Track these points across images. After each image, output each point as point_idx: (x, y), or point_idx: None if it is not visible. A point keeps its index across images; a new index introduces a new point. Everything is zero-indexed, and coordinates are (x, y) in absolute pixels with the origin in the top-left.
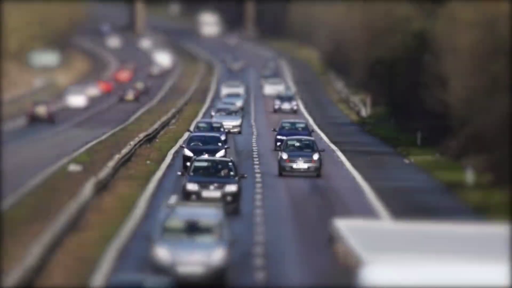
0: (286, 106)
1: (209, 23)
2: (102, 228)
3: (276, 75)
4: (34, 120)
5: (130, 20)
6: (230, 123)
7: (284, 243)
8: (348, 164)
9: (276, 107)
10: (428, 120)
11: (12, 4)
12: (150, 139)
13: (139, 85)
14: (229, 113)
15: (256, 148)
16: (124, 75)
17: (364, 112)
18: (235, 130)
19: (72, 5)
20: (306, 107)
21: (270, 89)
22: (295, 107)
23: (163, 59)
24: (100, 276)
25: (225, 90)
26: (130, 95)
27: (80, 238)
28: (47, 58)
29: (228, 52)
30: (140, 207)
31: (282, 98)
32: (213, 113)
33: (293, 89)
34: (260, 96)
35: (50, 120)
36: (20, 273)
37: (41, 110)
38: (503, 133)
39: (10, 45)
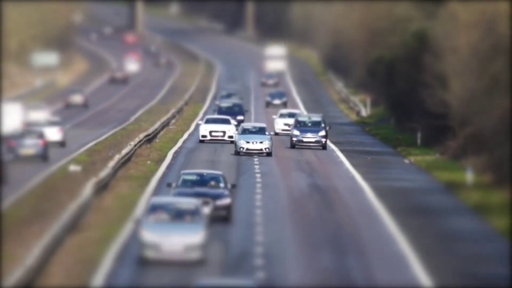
0: (310, 138)
1: (275, 57)
2: (102, 228)
3: (283, 95)
4: (70, 107)
5: (130, 20)
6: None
7: (284, 243)
8: (348, 164)
9: (295, 139)
10: (428, 120)
11: (12, 4)
12: (150, 139)
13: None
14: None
15: None
16: (131, 38)
17: (364, 112)
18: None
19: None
20: (306, 107)
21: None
22: (323, 141)
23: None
24: (100, 276)
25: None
26: (78, 99)
27: (80, 238)
28: (47, 58)
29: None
30: (140, 207)
31: (305, 128)
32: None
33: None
34: (260, 96)
35: (85, 106)
36: (20, 273)
37: (77, 98)
38: (503, 133)
39: (10, 45)
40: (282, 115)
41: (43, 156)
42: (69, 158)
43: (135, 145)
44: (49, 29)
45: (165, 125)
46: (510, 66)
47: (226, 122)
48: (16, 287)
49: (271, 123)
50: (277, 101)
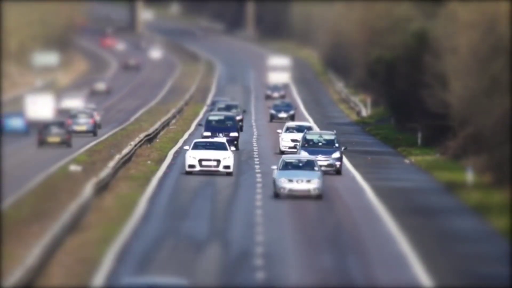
0: (322, 161)
1: (279, 68)
2: (103, 228)
3: (290, 107)
4: (94, 94)
5: (130, 20)
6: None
7: (284, 243)
8: (348, 164)
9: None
10: (428, 120)
11: (12, 4)
12: (150, 139)
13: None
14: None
15: (257, 148)
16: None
17: (364, 112)
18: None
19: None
20: (306, 107)
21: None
22: (337, 164)
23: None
24: (100, 276)
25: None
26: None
27: (81, 238)
28: (47, 58)
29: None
30: (141, 207)
31: (315, 148)
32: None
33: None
34: (260, 97)
35: (108, 92)
36: (20, 273)
37: (101, 85)
38: (503, 133)
39: (10, 45)
40: (289, 129)
41: (93, 131)
42: (70, 158)
43: (135, 145)
44: (49, 29)
45: (166, 125)
46: (510, 66)
47: (221, 147)
48: (16, 287)
49: (274, 136)
50: (283, 115)
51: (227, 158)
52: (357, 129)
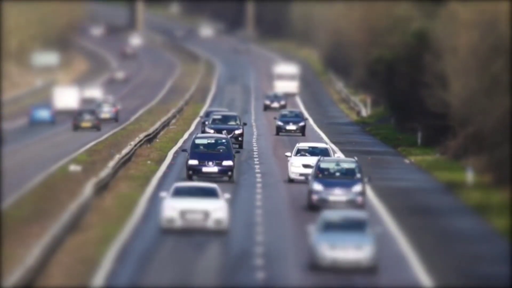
0: (340, 197)
1: (287, 77)
2: (103, 228)
3: (300, 118)
4: (113, 82)
5: (131, 20)
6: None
7: (284, 243)
8: None
9: (317, 197)
10: (428, 120)
11: (12, 4)
12: (150, 139)
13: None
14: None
15: (257, 148)
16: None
17: (365, 112)
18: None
19: (72, 5)
20: (306, 107)
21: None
22: (359, 200)
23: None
24: (100, 276)
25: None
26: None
27: (81, 238)
28: (47, 58)
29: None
30: (141, 207)
31: (331, 180)
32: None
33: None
34: (260, 97)
35: (126, 81)
36: (20, 273)
37: (120, 74)
38: (503, 133)
39: (10, 45)
40: (300, 152)
41: (115, 119)
42: (69, 158)
43: (135, 145)
44: (49, 29)
45: (166, 125)
46: (510, 66)
47: (211, 193)
48: (16, 287)
49: (274, 136)
50: (291, 127)
51: (218, 210)
52: (357, 129)
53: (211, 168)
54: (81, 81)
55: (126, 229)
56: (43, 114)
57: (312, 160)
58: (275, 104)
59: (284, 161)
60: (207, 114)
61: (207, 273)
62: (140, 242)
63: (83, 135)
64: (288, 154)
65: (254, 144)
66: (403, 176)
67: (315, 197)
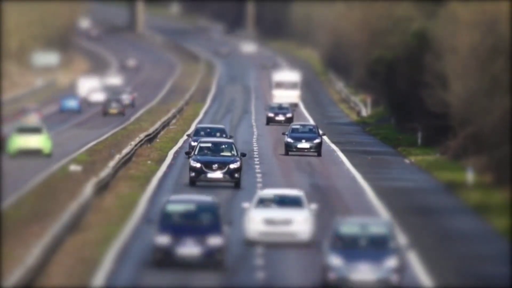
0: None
1: (287, 85)
2: (103, 228)
3: (315, 134)
4: (125, 69)
5: (131, 20)
6: None
7: (284, 244)
8: (348, 164)
9: (335, 275)
10: (428, 120)
11: (12, 4)
12: (150, 139)
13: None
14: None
15: (257, 148)
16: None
17: (365, 112)
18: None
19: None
20: (306, 107)
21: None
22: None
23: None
24: (100, 277)
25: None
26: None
27: (81, 238)
28: (47, 58)
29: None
30: (141, 207)
31: (355, 250)
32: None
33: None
34: (260, 96)
35: (137, 69)
36: (20, 273)
37: (131, 62)
38: (503, 133)
39: (10, 45)
40: (263, 201)
41: (132, 105)
42: (70, 158)
43: (135, 145)
44: (50, 29)
45: (166, 125)
46: (510, 66)
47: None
48: (16, 287)
49: (275, 136)
50: (305, 145)
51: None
52: (357, 129)
53: (189, 249)
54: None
55: (126, 229)
56: (71, 103)
57: (280, 213)
58: (280, 117)
59: (284, 161)
60: (196, 132)
61: (207, 273)
62: (140, 242)
63: (83, 135)
64: (246, 204)
65: (255, 144)
66: (403, 176)
67: (333, 275)
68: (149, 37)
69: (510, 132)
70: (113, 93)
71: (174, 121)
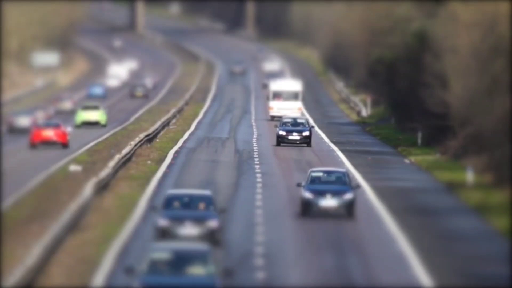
0: None
1: (288, 95)
2: (102, 228)
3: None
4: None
5: (131, 20)
6: None
7: (284, 243)
8: (348, 164)
9: None
10: (428, 120)
11: (12, 4)
12: (150, 139)
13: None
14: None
15: (257, 148)
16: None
17: (365, 112)
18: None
19: (72, 5)
20: (306, 107)
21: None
22: None
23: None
24: (100, 276)
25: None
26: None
27: (81, 238)
28: (47, 58)
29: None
30: (141, 207)
31: None
32: None
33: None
34: (260, 96)
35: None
36: (20, 273)
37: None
38: (503, 133)
39: (10, 45)
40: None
41: (147, 95)
42: (70, 158)
43: (135, 145)
44: (50, 29)
45: (166, 125)
46: (510, 66)
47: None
48: (16, 287)
49: (282, 160)
50: (295, 136)
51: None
52: (357, 129)
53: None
54: (82, 81)
55: (126, 229)
56: (97, 90)
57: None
58: (295, 136)
59: (284, 161)
60: (167, 203)
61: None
62: (140, 242)
63: (83, 134)
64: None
65: (254, 144)
66: (403, 176)
67: None
68: (149, 37)
69: (510, 132)
70: (136, 77)
71: (174, 121)
